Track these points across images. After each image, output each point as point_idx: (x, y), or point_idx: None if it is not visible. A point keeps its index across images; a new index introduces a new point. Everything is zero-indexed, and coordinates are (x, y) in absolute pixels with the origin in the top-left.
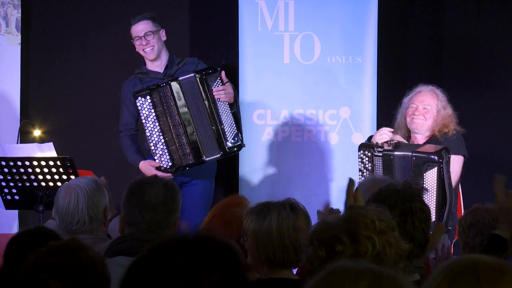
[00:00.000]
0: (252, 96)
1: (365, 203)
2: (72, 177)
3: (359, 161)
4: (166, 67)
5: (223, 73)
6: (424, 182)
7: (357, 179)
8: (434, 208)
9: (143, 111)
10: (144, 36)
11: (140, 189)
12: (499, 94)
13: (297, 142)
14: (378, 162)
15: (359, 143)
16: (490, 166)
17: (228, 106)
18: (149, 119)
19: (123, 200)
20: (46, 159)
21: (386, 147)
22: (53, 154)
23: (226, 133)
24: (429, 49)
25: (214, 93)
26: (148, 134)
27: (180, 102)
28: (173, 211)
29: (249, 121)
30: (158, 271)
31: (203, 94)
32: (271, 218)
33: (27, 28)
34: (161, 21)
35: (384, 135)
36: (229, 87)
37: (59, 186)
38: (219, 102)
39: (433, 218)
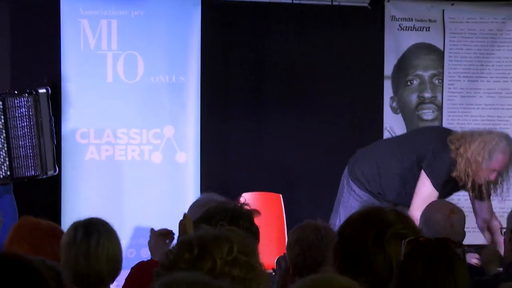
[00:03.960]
0: (75, 114)
1: (195, 221)
2: None
3: None
4: None
5: None
6: None
7: None
8: None
9: None
10: None
11: None
12: (318, 114)
13: (121, 161)
14: None
15: None
16: (310, 182)
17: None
18: None
19: None
20: None
21: None
22: None
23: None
24: (252, 70)
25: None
26: None
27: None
28: None
29: (72, 140)
30: None
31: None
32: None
33: None
34: None
35: None
36: None
37: None
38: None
39: None
